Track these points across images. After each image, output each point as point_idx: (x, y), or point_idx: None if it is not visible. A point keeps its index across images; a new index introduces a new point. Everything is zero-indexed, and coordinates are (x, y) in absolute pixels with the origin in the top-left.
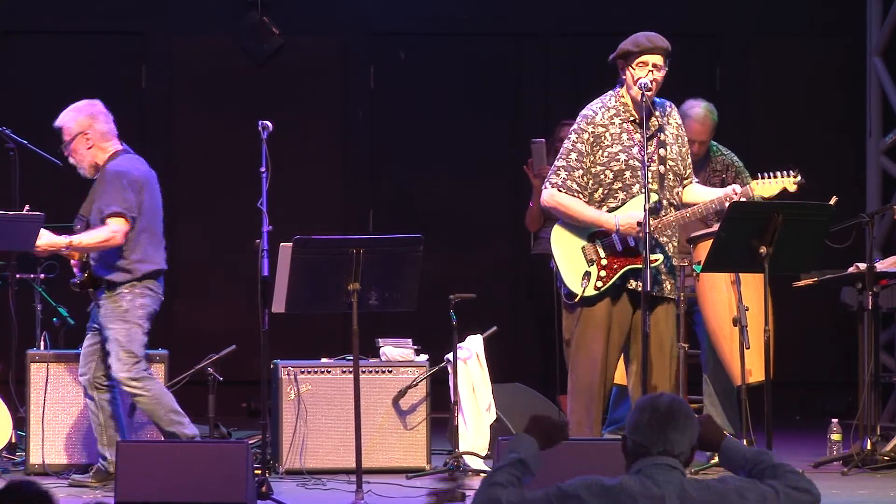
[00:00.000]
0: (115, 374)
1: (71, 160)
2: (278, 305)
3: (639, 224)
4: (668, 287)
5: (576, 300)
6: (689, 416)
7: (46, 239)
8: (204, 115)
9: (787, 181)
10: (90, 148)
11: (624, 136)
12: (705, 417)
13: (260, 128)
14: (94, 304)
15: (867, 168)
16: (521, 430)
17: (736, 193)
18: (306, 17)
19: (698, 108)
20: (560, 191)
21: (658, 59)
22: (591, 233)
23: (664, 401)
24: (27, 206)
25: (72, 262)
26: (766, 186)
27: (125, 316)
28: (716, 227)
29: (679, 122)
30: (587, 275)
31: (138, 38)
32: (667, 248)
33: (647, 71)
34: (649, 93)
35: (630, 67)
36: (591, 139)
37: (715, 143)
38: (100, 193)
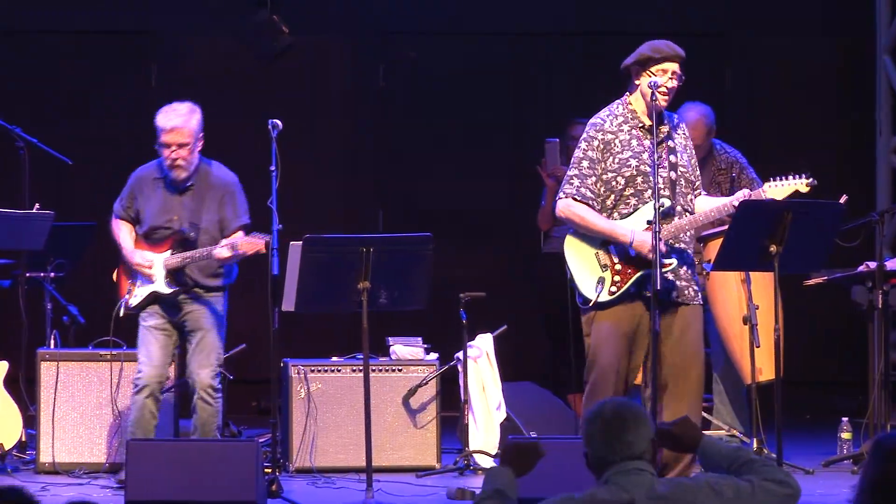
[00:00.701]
0: (202, 379)
1: (179, 162)
2: (288, 304)
3: (652, 248)
4: (691, 293)
5: (590, 306)
6: (637, 415)
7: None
8: (213, 114)
9: (799, 183)
10: (198, 150)
11: (634, 142)
12: (682, 419)
13: (269, 126)
14: (170, 307)
15: (877, 167)
16: (530, 430)
17: (747, 197)
18: (315, 16)
19: (691, 111)
20: (575, 199)
21: (677, 67)
22: (605, 239)
23: (609, 407)
24: (37, 205)
25: (129, 282)
26: (779, 189)
27: (221, 322)
28: (726, 226)
29: (687, 134)
30: (601, 280)
31: (147, 38)
32: (685, 254)
33: (667, 77)
34: (665, 97)
35: (647, 73)
36: (602, 146)
37: (719, 141)
38: (226, 202)
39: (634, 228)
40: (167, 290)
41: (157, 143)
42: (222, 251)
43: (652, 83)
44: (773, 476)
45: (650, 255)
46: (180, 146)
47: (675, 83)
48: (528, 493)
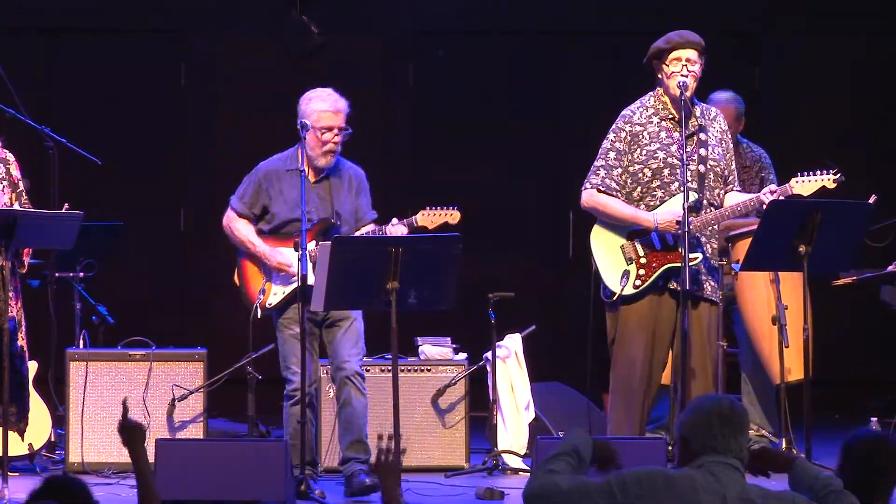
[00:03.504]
0: (352, 367)
1: (338, 147)
2: (317, 304)
3: (678, 222)
4: (709, 288)
5: (614, 298)
6: (746, 417)
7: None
8: (243, 113)
9: (826, 179)
10: None
11: (662, 134)
12: (771, 450)
13: (299, 126)
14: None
15: None
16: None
17: (773, 193)
18: (345, 15)
19: (721, 94)
20: (599, 190)
21: (692, 54)
22: (630, 231)
23: (727, 403)
24: (66, 205)
25: (264, 281)
26: (806, 185)
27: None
28: (755, 225)
29: (724, 128)
30: (626, 273)
31: (177, 36)
32: (706, 248)
33: (681, 66)
34: (686, 88)
35: (664, 65)
36: (629, 138)
37: (745, 139)
38: (361, 192)
39: (657, 213)
40: None
41: (308, 130)
42: (396, 229)
43: (681, 83)
44: None
45: (678, 231)
46: (340, 130)
47: (692, 69)
48: None
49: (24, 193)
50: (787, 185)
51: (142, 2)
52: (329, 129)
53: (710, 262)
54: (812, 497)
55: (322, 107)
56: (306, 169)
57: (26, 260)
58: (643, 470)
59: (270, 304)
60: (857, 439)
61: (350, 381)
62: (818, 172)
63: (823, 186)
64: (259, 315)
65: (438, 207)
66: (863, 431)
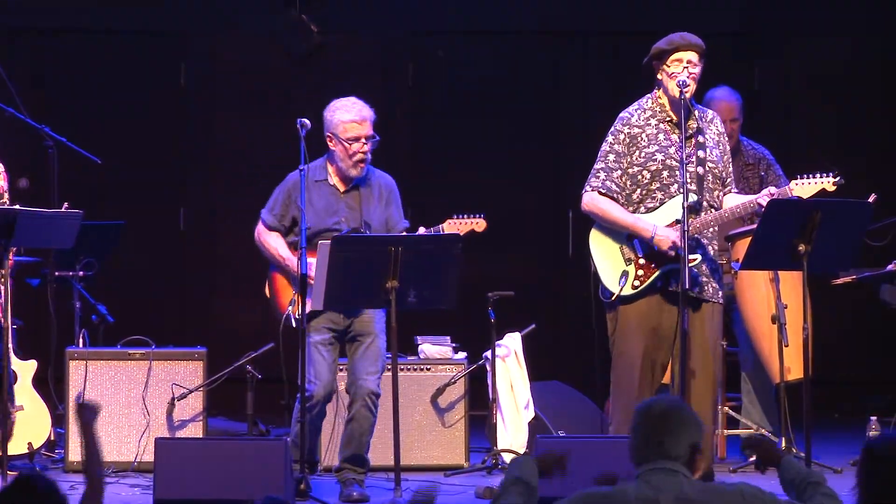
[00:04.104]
0: (369, 385)
1: (367, 156)
2: (316, 303)
3: (673, 242)
4: (711, 290)
5: (612, 299)
6: (684, 418)
7: None
8: (243, 113)
9: (826, 182)
10: None
11: (661, 136)
12: (765, 441)
13: (298, 126)
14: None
15: None
16: (558, 429)
17: (772, 195)
18: (344, 15)
19: (720, 89)
20: (600, 193)
21: (692, 56)
22: (628, 232)
23: (658, 406)
24: (66, 204)
25: (294, 294)
26: (805, 187)
27: (384, 327)
28: (754, 224)
29: (721, 130)
30: (625, 274)
31: (177, 36)
32: (707, 250)
33: (682, 67)
34: (687, 89)
35: (665, 66)
36: (628, 140)
37: (745, 138)
38: (392, 201)
39: (657, 223)
40: None
41: (334, 142)
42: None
43: (680, 82)
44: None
45: (670, 252)
46: (367, 139)
47: (693, 71)
48: (556, 491)
49: (6, 204)
50: (786, 187)
51: (142, 1)
52: (357, 139)
53: (713, 264)
54: (795, 491)
55: (347, 117)
56: (330, 177)
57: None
58: (579, 494)
59: (300, 316)
60: (879, 444)
61: (364, 399)
62: (818, 175)
63: (823, 189)
64: (293, 324)
65: (465, 216)
66: (886, 436)
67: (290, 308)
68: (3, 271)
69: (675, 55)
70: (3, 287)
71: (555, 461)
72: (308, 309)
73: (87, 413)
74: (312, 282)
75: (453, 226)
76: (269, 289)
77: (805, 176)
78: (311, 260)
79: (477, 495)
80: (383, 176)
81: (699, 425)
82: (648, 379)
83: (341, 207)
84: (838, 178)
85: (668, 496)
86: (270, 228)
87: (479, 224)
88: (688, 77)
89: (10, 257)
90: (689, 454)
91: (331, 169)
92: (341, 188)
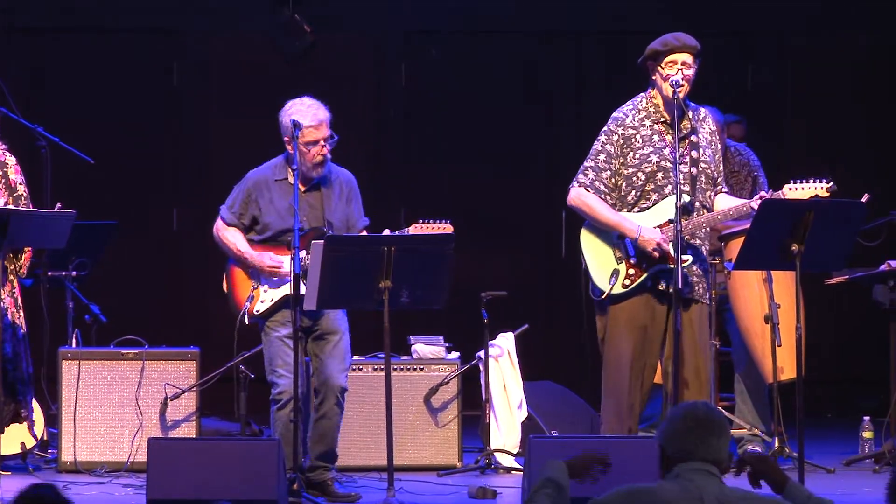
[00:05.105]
0: (339, 383)
1: (327, 157)
2: (310, 303)
3: (658, 245)
4: (700, 290)
5: (603, 297)
6: (724, 422)
7: None
8: (236, 112)
9: (819, 188)
10: None
11: (655, 137)
12: (766, 457)
13: (292, 125)
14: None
15: None
16: (551, 429)
17: (763, 198)
18: (337, 14)
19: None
20: (587, 190)
21: (687, 58)
22: (614, 231)
23: (701, 409)
24: (59, 204)
25: (252, 288)
26: (798, 192)
27: (347, 325)
28: (747, 224)
29: (713, 128)
30: (615, 273)
31: (170, 36)
32: (700, 251)
33: (676, 69)
34: (680, 89)
35: (659, 67)
36: (621, 141)
37: (733, 143)
38: (352, 199)
39: (649, 223)
40: None
41: (294, 142)
42: None
43: (673, 82)
44: None
45: (654, 254)
46: (325, 140)
47: (687, 73)
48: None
49: (22, 198)
50: (780, 191)
51: (135, 1)
52: (315, 143)
53: (705, 265)
54: None
55: (302, 119)
56: (290, 176)
57: (25, 264)
58: (624, 490)
59: (258, 311)
60: None
61: (336, 396)
62: (811, 181)
63: (816, 194)
64: (247, 321)
65: (431, 221)
66: None
67: (247, 304)
68: (14, 266)
69: (670, 57)
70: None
71: (584, 463)
72: (304, 308)
73: None
74: (278, 273)
75: (418, 230)
76: (226, 283)
77: (799, 181)
78: (281, 256)
79: (470, 495)
80: (343, 173)
81: (730, 432)
82: (638, 379)
83: (302, 206)
84: (831, 185)
85: (711, 497)
86: (229, 225)
87: (444, 230)
88: (682, 78)
89: (27, 257)
90: (728, 461)
91: (290, 169)
92: (302, 187)
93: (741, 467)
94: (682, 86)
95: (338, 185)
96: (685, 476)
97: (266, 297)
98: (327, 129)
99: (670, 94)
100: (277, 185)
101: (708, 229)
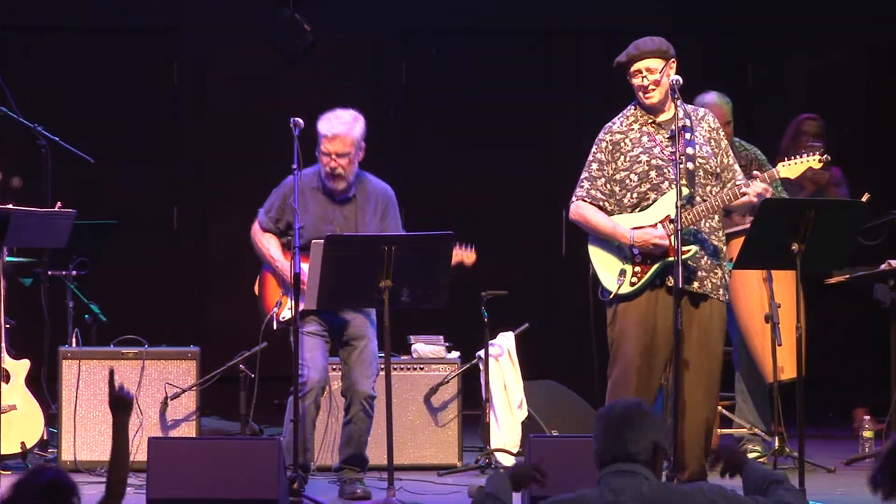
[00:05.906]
0: (365, 389)
1: (339, 171)
2: (310, 302)
3: (654, 244)
4: (710, 286)
5: (611, 297)
6: (642, 417)
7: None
8: (235, 112)
9: (812, 160)
10: (359, 160)
11: (644, 138)
12: (727, 448)
13: (291, 125)
14: (330, 316)
15: None
16: (551, 428)
17: (757, 176)
18: (337, 14)
19: (710, 94)
20: (584, 202)
21: (650, 63)
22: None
23: (619, 405)
24: (59, 203)
25: (281, 294)
26: (792, 167)
27: (376, 331)
28: (748, 223)
29: (715, 126)
30: (622, 272)
31: (170, 35)
32: (707, 243)
33: (641, 77)
34: (649, 95)
35: (629, 77)
36: (610, 147)
37: (738, 138)
38: (388, 214)
39: (635, 225)
40: None
41: (316, 150)
42: None
43: (674, 81)
44: (785, 499)
45: (654, 251)
46: (340, 155)
47: (652, 78)
48: (551, 491)
49: None
50: (773, 169)
51: (135, 1)
52: (327, 154)
53: (716, 259)
54: (759, 492)
55: (321, 129)
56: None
57: None
58: (548, 502)
59: (284, 318)
60: None
61: (361, 403)
62: (804, 155)
63: (810, 167)
64: (275, 326)
65: (457, 245)
66: None
67: (275, 309)
68: None
69: (634, 66)
70: None
71: (528, 472)
72: (301, 307)
73: (124, 405)
74: (305, 287)
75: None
76: (258, 286)
77: (791, 157)
78: (305, 265)
79: (470, 495)
80: (383, 187)
81: (661, 426)
82: (646, 378)
83: (336, 216)
84: (825, 156)
85: (627, 497)
86: (265, 230)
87: (469, 257)
88: (650, 83)
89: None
90: (651, 453)
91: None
92: (335, 196)
93: (715, 463)
94: (649, 92)
95: (374, 200)
96: (605, 481)
97: (293, 306)
98: (344, 145)
99: (646, 102)
100: (312, 193)
101: (715, 220)
